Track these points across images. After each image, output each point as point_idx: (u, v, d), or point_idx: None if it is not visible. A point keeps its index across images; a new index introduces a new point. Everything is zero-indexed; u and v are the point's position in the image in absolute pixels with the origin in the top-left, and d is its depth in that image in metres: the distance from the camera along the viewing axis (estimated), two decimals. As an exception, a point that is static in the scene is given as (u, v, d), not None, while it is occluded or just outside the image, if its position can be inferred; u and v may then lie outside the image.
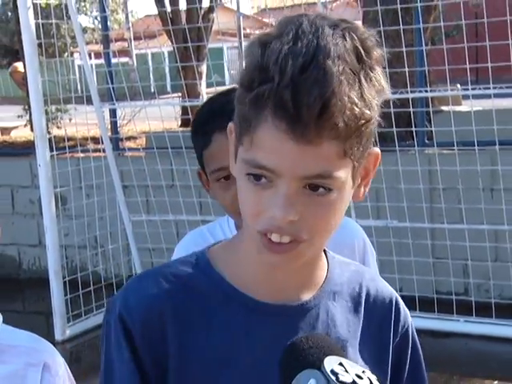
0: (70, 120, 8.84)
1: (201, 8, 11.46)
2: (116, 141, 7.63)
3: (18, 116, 13.06)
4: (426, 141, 6.63)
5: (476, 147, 5.61)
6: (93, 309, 6.35)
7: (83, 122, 6.98)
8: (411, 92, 5.82)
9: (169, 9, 11.31)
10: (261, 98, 1.06)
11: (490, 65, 5.43)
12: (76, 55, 12.51)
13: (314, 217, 1.10)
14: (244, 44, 13.93)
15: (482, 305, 5.80)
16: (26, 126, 12.45)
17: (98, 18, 9.08)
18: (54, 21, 6.64)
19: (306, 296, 1.22)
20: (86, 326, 6.28)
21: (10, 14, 24.40)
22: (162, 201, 6.67)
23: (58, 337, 6.05)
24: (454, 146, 5.72)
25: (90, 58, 7.78)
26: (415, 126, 6.18)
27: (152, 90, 8.26)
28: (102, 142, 6.55)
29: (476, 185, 5.81)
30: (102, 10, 7.46)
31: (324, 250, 1.28)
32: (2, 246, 8.14)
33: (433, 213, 6.24)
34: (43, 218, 6.11)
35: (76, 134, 7.10)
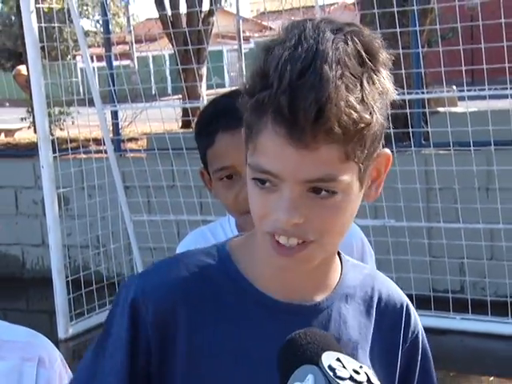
0: (73, 122, 8.84)
1: (201, 11, 11.46)
2: (118, 142, 7.63)
3: (22, 118, 13.08)
4: (423, 141, 6.63)
5: (472, 147, 5.61)
6: (95, 307, 6.34)
7: (85, 123, 6.98)
8: (408, 93, 5.82)
9: (169, 12, 11.30)
10: (261, 104, 1.06)
11: (485, 66, 5.43)
12: (78, 58, 12.49)
13: (319, 219, 1.10)
14: (243, 47, 13.96)
15: (478, 302, 5.80)
16: (29, 127, 12.47)
17: (100, 22, 9.08)
18: (56, 24, 6.65)
19: (320, 297, 1.22)
20: (89, 325, 6.28)
21: (13, 18, 24.39)
22: (162, 201, 6.67)
23: (61, 335, 6.05)
24: (450, 146, 5.72)
25: (92, 60, 7.79)
26: (412, 127, 6.19)
27: (153, 92, 8.24)
28: (104, 144, 6.55)
29: (472, 184, 5.81)
30: (104, 13, 7.46)
31: (338, 253, 1.28)
32: (5, 246, 8.14)
33: (429, 212, 6.24)
34: (46, 219, 6.10)
35: (78, 135, 7.09)
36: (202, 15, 11.41)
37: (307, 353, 0.96)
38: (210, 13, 11.65)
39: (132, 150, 7.75)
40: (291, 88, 1.03)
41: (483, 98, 5.81)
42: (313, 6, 6.63)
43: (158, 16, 11.66)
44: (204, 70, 11.51)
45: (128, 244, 6.96)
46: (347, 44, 1.07)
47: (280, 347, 1.01)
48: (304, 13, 7.00)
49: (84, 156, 6.95)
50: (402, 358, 1.28)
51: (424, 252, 6.18)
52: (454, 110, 7.28)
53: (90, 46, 10.03)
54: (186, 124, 9.63)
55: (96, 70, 8.30)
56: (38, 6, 5.97)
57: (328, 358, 0.94)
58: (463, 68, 5.54)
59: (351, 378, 0.91)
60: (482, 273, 5.93)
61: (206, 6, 12.18)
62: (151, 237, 6.67)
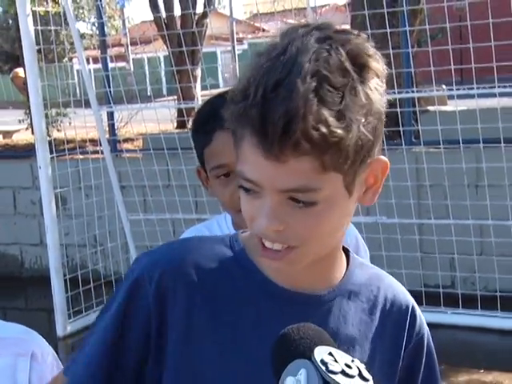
0: (70, 123, 8.83)
1: (195, 13, 11.45)
2: (114, 143, 7.61)
3: (20, 120, 13.04)
4: (413, 140, 6.64)
5: (461, 145, 5.62)
6: (93, 305, 6.34)
7: (82, 124, 6.98)
8: (398, 93, 5.83)
9: (164, 15, 11.28)
10: (240, 114, 1.07)
11: (473, 66, 5.44)
12: (75, 60, 12.47)
13: (300, 226, 1.09)
14: (237, 48, 13.95)
15: (468, 297, 5.81)
16: (27, 129, 12.43)
17: (96, 25, 9.05)
18: (52, 27, 6.63)
19: (322, 291, 1.22)
20: (87, 322, 6.26)
21: (10, 21, 24.34)
22: (158, 200, 6.67)
23: (60, 333, 6.04)
24: (440, 144, 5.73)
25: (88, 63, 7.76)
26: (402, 126, 6.19)
27: (148, 94, 8.26)
28: (101, 144, 6.53)
29: (461, 181, 5.82)
30: (99, 16, 7.45)
31: (347, 251, 1.28)
32: (4, 246, 8.13)
33: (420, 209, 6.25)
34: (44, 218, 6.09)
35: (75, 136, 7.09)
36: (196, 17, 11.40)
37: (300, 347, 0.96)
38: (204, 15, 11.64)
39: (128, 151, 7.74)
40: (264, 100, 1.03)
41: (472, 96, 5.81)
42: (305, 8, 6.63)
43: (152, 18, 11.64)
44: (198, 71, 11.50)
45: (125, 243, 6.96)
46: (330, 55, 1.05)
47: (273, 342, 1.01)
48: (296, 14, 7.01)
49: (81, 156, 6.94)
50: (405, 359, 1.27)
51: (415, 248, 6.19)
52: (443, 108, 7.28)
53: (86, 49, 10.02)
54: (180, 124, 9.63)
55: (92, 71, 8.30)
56: (34, 9, 5.97)
57: (320, 353, 0.94)
58: (452, 67, 5.55)
59: (343, 372, 0.92)
60: (472, 268, 5.94)
61: (199, 8, 12.18)
62: (147, 235, 6.66)
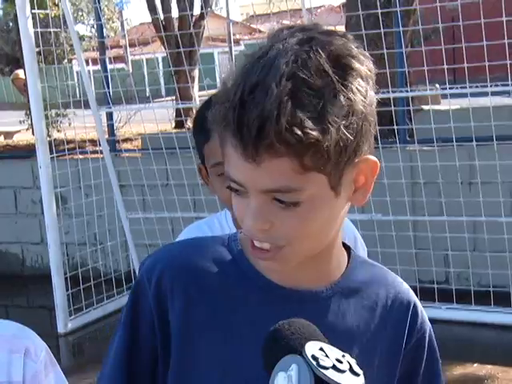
0: (69, 124, 8.82)
1: (192, 15, 11.42)
2: (113, 142, 7.60)
3: (20, 121, 13.04)
4: (408, 138, 6.63)
5: (454, 143, 5.61)
6: (93, 303, 6.33)
7: (82, 125, 6.96)
8: (392, 92, 5.82)
9: (162, 16, 11.28)
10: (221, 116, 1.06)
11: (466, 65, 5.44)
12: (74, 62, 12.47)
13: (286, 226, 1.09)
14: (234, 49, 13.95)
15: (462, 292, 5.81)
16: (27, 129, 12.43)
17: (95, 27, 9.04)
18: (52, 29, 6.62)
19: (320, 288, 1.21)
20: (87, 319, 6.27)
21: (11, 24, 24.32)
22: (157, 199, 6.66)
23: (61, 330, 6.04)
24: (433, 142, 5.73)
25: (88, 64, 7.76)
26: (397, 125, 6.19)
27: (147, 94, 8.23)
28: (100, 144, 6.53)
29: (455, 179, 5.82)
30: (98, 18, 7.43)
31: (349, 249, 1.27)
32: (6, 245, 8.12)
33: (414, 206, 6.25)
34: (45, 217, 6.09)
35: (75, 136, 7.08)
36: (194, 19, 11.38)
37: (291, 343, 0.96)
38: (201, 16, 11.64)
39: (127, 150, 7.73)
40: (241, 103, 1.03)
41: (465, 95, 5.81)
42: (300, 9, 6.62)
43: (150, 20, 11.63)
44: (196, 72, 11.50)
45: (124, 241, 6.96)
46: (310, 57, 1.04)
47: (264, 338, 1.00)
48: (291, 15, 7.00)
49: (80, 156, 6.94)
50: (406, 356, 1.26)
51: (410, 245, 6.19)
52: (437, 107, 7.28)
53: (85, 50, 10.02)
54: (179, 124, 9.63)
55: (91, 73, 8.29)
56: (34, 11, 5.96)
57: (311, 348, 0.93)
58: (445, 67, 5.55)
59: (334, 367, 0.91)
60: (465, 264, 5.94)
61: (197, 10, 12.18)
62: (146, 234, 6.66)
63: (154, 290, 1.20)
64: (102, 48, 7.55)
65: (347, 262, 1.26)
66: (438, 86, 6.56)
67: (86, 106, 6.55)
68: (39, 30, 6.07)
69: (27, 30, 5.72)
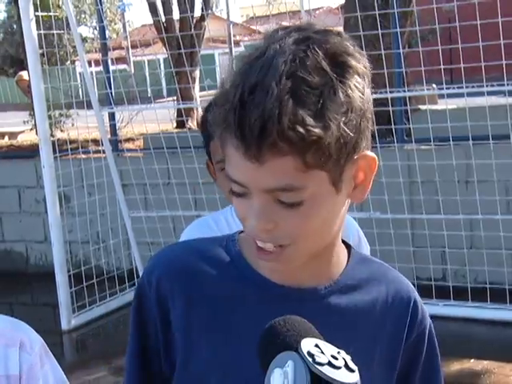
0: (72, 124, 8.83)
1: (193, 17, 11.41)
2: (115, 142, 7.61)
3: (24, 121, 13.03)
4: (405, 137, 6.63)
5: (451, 143, 5.61)
6: (96, 300, 6.34)
7: (84, 125, 6.97)
8: (390, 92, 5.82)
9: (163, 18, 11.26)
10: (222, 118, 1.06)
11: (462, 66, 5.43)
12: (77, 63, 12.48)
13: (289, 225, 1.08)
14: (234, 50, 13.94)
15: (459, 289, 5.81)
16: (31, 130, 12.42)
17: (97, 28, 9.05)
18: (55, 31, 6.62)
19: (319, 286, 1.20)
20: (91, 316, 6.28)
21: (15, 26, 24.31)
22: (159, 198, 6.66)
23: (64, 327, 6.05)
24: (430, 142, 5.73)
25: (90, 65, 7.76)
26: (394, 124, 6.18)
27: (148, 95, 8.23)
28: (102, 144, 6.53)
29: (452, 178, 5.82)
30: (100, 20, 7.44)
31: (349, 247, 1.26)
32: (10, 243, 8.12)
33: (412, 204, 6.25)
34: (48, 216, 6.10)
35: (78, 136, 7.08)
36: (194, 20, 11.36)
37: (286, 340, 0.96)
38: (202, 18, 11.62)
39: (129, 150, 7.74)
40: (241, 104, 1.02)
41: (461, 95, 5.82)
42: (299, 11, 6.61)
43: (152, 22, 11.62)
44: (197, 73, 11.48)
45: (126, 239, 6.96)
46: (307, 55, 1.03)
47: (260, 335, 1.00)
48: (291, 17, 6.99)
49: (83, 156, 6.94)
50: (406, 351, 1.25)
51: (408, 242, 6.19)
52: (434, 107, 7.28)
53: (87, 52, 10.00)
54: (180, 124, 9.62)
55: (94, 74, 8.29)
56: (37, 14, 5.96)
57: (307, 345, 0.93)
58: (442, 67, 5.55)
59: (329, 363, 0.91)
60: (462, 261, 5.94)
61: (197, 12, 12.16)
62: (148, 232, 6.67)
63: (155, 293, 1.20)
64: (105, 49, 7.54)
65: (347, 260, 1.25)
66: (435, 86, 6.55)
67: (89, 106, 6.55)
68: (42, 32, 6.08)
69: (31, 32, 5.73)
